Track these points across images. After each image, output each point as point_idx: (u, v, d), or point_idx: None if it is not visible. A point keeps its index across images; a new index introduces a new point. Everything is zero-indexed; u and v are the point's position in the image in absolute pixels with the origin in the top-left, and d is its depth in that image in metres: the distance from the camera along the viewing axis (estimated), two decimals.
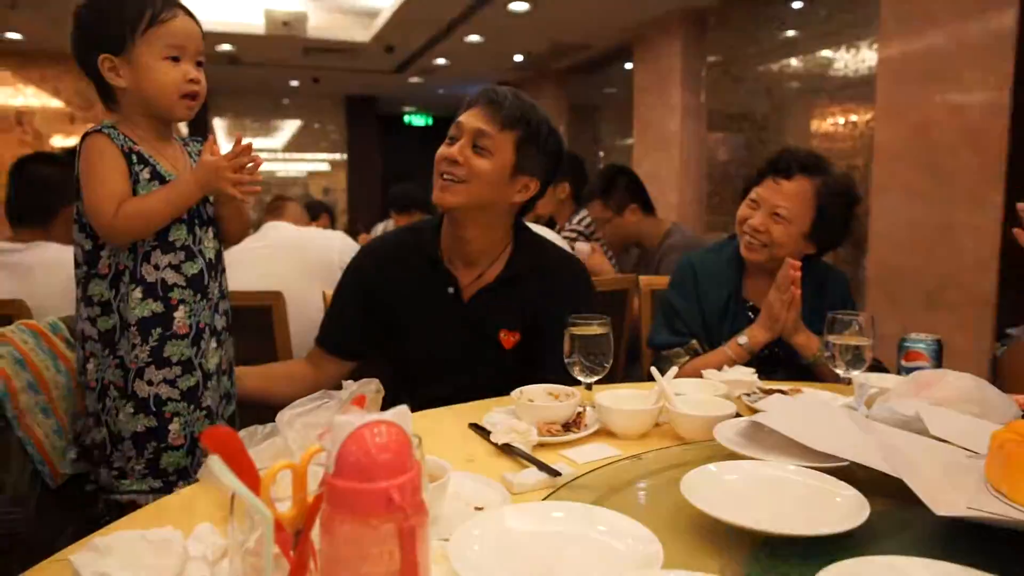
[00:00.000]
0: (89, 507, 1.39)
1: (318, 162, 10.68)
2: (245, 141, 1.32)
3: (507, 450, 1.11)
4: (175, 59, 1.31)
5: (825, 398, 1.39)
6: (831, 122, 4.54)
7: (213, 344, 1.39)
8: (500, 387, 1.37)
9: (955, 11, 3.34)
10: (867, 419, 1.11)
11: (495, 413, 1.28)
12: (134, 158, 1.30)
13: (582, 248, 2.93)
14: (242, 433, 1.09)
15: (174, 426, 1.33)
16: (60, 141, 7.32)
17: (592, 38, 6.55)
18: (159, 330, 1.31)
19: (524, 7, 5.53)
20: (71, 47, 1.33)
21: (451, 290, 1.63)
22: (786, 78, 4.92)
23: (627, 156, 6.36)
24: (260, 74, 8.66)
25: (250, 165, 1.33)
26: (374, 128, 10.64)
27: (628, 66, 6.40)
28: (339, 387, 1.12)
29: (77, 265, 1.35)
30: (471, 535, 0.75)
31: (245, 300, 1.98)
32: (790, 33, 4.88)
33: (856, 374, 1.41)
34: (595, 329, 1.33)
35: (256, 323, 2.07)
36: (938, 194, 3.46)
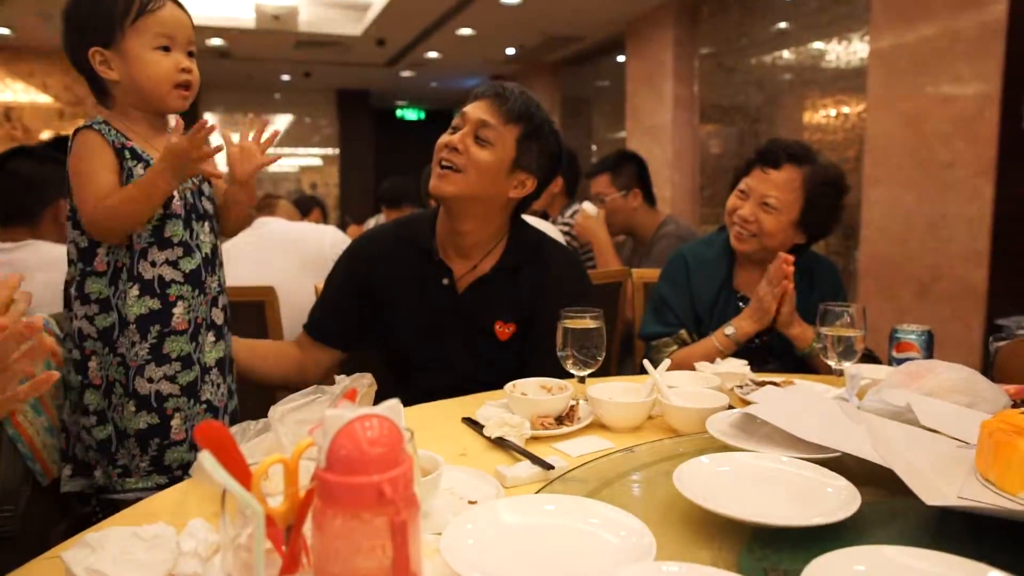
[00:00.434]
0: (81, 504, 1.38)
1: (310, 157, 10.63)
2: (209, 125, 1.26)
3: (500, 444, 1.11)
4: (166, 49, 1.30)
5: (818, 390, 1.40)
6: (823, 114, 4.55)
7: (211, 338, 1.39)
8: (495, 379, 1.36)
9: (946, 3, 3.35)
10: (858, 410, 1.12)
11: (488, 407, 1.28)
12: (127, 153, 1.29)
13: (589, 208, 2.88)
14: (234, 429, 1.09)
15: (175, 421, 1.33)
16: (49, 136, 7.28)
17: (584, 30, 6.54)
18: (157, 327, 1.31)
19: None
20: (63, 44, 1.31)
21: (445, 281, 1.63)
22: (778, 70, 4.93)
23: (619, 148, 6.35)
24: (251, 68, 8.62)
25: (209, 139, 1.26)
26: (366, 122, 10.59)
27: (620, 58, 6.40)
28: (332, 382, 1.12)
29: (71, 262, 1.33)
30: (464, 529, 0.75)
31: (238, 295, 1.96)
32: (782, 25, 4.89)
33: (848, 365, 1.42)
34: (588, 323, 1.33)
35: (249, 318, 2.06)
36: (930, 185, 3.47)
